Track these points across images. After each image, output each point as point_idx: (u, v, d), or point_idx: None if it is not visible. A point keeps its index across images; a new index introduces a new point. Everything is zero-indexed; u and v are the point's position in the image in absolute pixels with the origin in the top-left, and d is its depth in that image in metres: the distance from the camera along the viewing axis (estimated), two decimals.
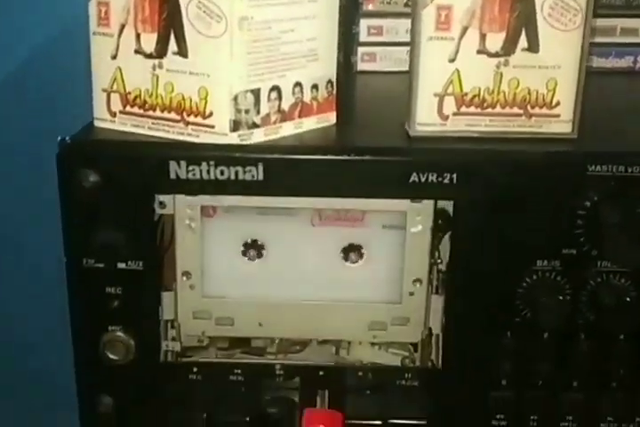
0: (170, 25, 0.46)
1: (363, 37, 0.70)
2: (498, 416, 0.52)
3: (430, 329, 0.52)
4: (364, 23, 0.70)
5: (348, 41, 0.69)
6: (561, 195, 0.47)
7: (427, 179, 0.46)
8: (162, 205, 0.50)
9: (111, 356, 0.50)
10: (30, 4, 0.76)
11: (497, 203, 0.47)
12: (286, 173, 0.47)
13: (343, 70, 0.69)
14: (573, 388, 0.51)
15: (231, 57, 0.45)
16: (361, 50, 0.70)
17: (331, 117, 0.52)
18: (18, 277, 0.85)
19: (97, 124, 0.50)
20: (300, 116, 0.50)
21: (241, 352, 0.54)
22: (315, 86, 0.51)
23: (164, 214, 0.50)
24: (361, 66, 0.71)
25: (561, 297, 0.48)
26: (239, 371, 0.52)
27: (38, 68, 0.77)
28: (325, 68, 0.51)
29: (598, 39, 0.70)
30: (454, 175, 0.46)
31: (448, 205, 0.49)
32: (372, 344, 0.53)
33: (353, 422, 0.51)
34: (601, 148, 0.49)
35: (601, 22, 0.70)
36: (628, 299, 0.47)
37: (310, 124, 0.51)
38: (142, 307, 0.50)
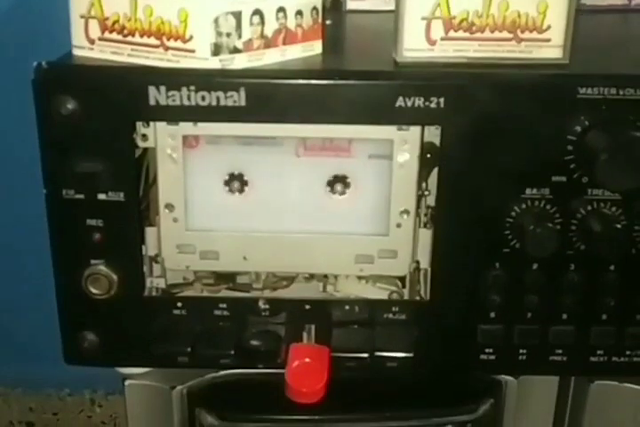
0: None
1: None
2: (486, 350, 0.51)
3: (418, 262, 0.51)
4: None
5: None
6: (551, 120, 0.46)
7: (413, 103, 0.45)
8: (144, 137, 0.49)
9: (94, 290, 0.50)
10: None
11: (485, 128, 0.46)
12: (269, 98, 0.46)
13: (332, 8, 0.69)
14: (563, 320, 0.50)
15: None
16: None
17: (316, 46, 0.51)
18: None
19: (75, 52, 0.49)
20: (284, 43, 0.49)
21: (226, 288, 0.53)
22: (299, 12, 0.49)
23: (149, 149, 0.49)
24: (350, 4, 0.70)
25: (550, 226, 0.47)
26: (224, 306, 0.51)
27: None
28: None
29: None
30: (441, 99, 0.45)
31: (436, 139, 0.48)
32: (359, 278, 0.52)
33: (339, 355, 0.50)
34: (592, 71, 0.48)
35: None
36: (618, 226, 0.47)
37: (295, 52, 0.50)
38: (125, 240, 0.50)
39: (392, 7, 0.50)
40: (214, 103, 0.45)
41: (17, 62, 0.58)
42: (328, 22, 0.63)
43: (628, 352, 0.51)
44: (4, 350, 1.01)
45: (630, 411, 0.58)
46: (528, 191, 0.47)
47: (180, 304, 0.52)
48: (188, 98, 0.45)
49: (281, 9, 0.48)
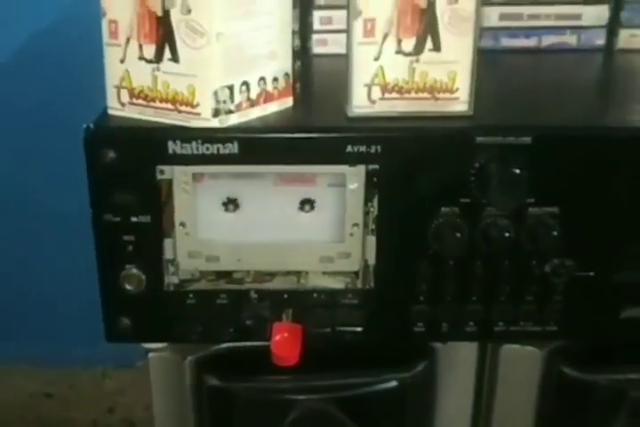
0: (165, 38, 0.61)
1: (316, 26, 0.84)
2: (418, 324, 0.68)
3: (366, 261, 0.67)
4: (316, 14, 0.84)
5: (304, 30, 0.84)
6: (457, 159, 0.63)
7: (358, 149, 0.62)
8: (162, 172, 0.64)
9: (128, 287, 0.67)
10: None
11: (411, 165, 0.63)
12: (255, 147, 0.62)
13: (302, 53, 0.85)
14: (472, 301, 0.67)
15: (211, 62, 0.61)
16: (315, 37, 0.85)
17: (288, 101, 0.68)
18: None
19: (110, 112, 0.65)
20: (264, 102, 0.66)
21: (225, 282, 0.69)
22: (275, 79, 0.66)
23: (163, 179, 0.65)
24: (315, 50, 0.85)
25: (459, 234, 0.64)
26: (224, 296, 0.68)
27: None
28: (282, 63, 0.66)
29: (509, 23, 0.86)
30: (379, 146, 0.62)
31: (377, 173, 0.64)
32: (323, 273, 0.68)
33: (311, 331, 0.68)
34: (488, 122, 0.65)
35: (510, 10, 0.85)
36: (507, 234, 0.64)
37: (273, 107, 0.66)
38: (150, 250, 0.66)
39: None
40: (215, 152, 0.62)
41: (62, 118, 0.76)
42: (298, 64, 0.80)
43: (521, 323, 0.69)
44: (28, 332, 1.17)
45: (531, 367, 0.76)
46: (443, 209, 0.64)
47: (190, 296, 0.68)
48: (197, 148, 0.62)
49: (262, 78, 0.65)
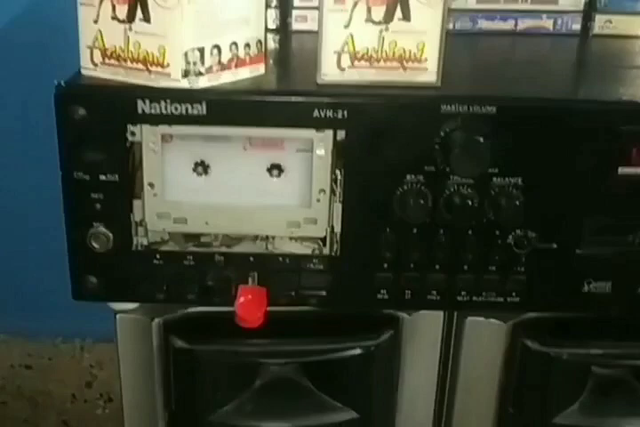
0: None
1: (296, 3, 0.85)
2: (381, 291, 0.69)
3: (333, 227, 0.68)
4: None
5: (284, 6, 0.85)
6: (422, 127, 0.64)
7: (325, 114, 0.64)
8: (133, 134, 0.65)
9: (95, 245, 0.68)
10: None
11: (377, 133, 0.64)
12: (223, 109, 0.64)
13: (281, 29, 0.86)
14: (436, 270, 0.69)
15: (182, 23, 0.62)
16: (295, 13, 0.86)
17: (260, 69, 0.69)
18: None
19: (83, 72, 0.66)
20: (236, 67, 0.67)
21: (192, 245, 0.70)
22: (247, 44, 0.67)
23: (135, 142, 0.66)
24: (295, 26, 0.86)
25: (423, 201, 0.65)
26: (191, 257, 0.69)
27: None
28: (255, 30, 0.67)
29: (486, 6, 0.87)
30: (345, 112, 0.63)
31: (343, 136, 0.65)
32: (290, 239, 0.69)
33: (275, 293, 0.69)
34: (454, 93, 0.66)
35: None
36: (470, 203, 0.65)
37: (244, 73, 0.67)
38: (118, 209, 0.67)
39: None
40: (184, 112, 0.63)
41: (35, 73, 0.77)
42: (276, 41, 0.81)
43: (484, 294, 0.70)
44: (8, 303, 1.19)
45: (495, 340, 0.77)
46: (408, 177, 0.65)
47: (158, 256, 0.69)
48: (165, 108, 0.63)
49: (234, 43, 0.66)
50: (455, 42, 0.67)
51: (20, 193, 1.12)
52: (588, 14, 0.87)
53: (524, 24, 0.87)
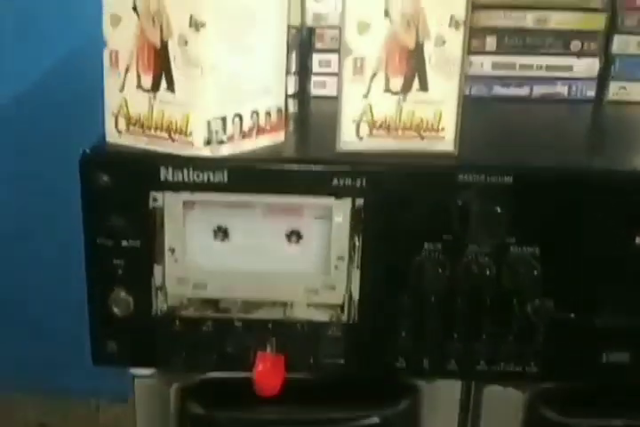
0: (162, 69, 0.64)
1: (315, 69, 0.87)
2: (399, 359, 0.69)
3: (351, 294, 0.69)
4: (315, 57, 0.87)
5: (303, 72, 0.87)
6: (440, 196, 0.65)
7: (344, 183, 0.64)
8: (155, 200, 0.66)
9: (116, 310, 0.68)
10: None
11: (395, 201, 0.65)
12: (244, 177, 0.65)
13: (300, 95, 0.88)
14: (454, 338, 0.68)
15: (205, 93, 0.63)
16: (314, 79, 0.88)
17: (280, 136, 0.70)
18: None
19: (108, 139, 0.68)
20: (256, 135, 0.68)
21: (211, 311, 0.70)
22: (268, 113, 0.68)
23: (157, 207, 0.67)
24: (314, 91, 0.88)
25: (440, 270, 0.65)
26: (209, 324, 0.69)
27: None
28: (276, 99, 0.69)
29: (501, 72, 0.89)
30: (364, 180, 0.64)
31: (362, 203, 0.66)
32: (308, 305, 0.69)
33: (293, 361, 0.68)
34: (470, 162, 0.67)
35: (504, 59, 0.88)
36: (488, 272, 0.65)
37: (264, 141, 0.69)
38: (139, 274, 0.68)
39: None
40: (205, 180, 0.64)
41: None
42: (295, 106, 0.82)
43: (502, 363, 0.69)
44: (25, 361, 1.19)
45: (513, 410, 0.76)
46: (426, 245, 0.66)
47: (177, 322, 0.69)
48: (188, 176, 0.64)
49: (255, 112, 0.67)
50: (470, 107, 0.68)
51: (45, 258, 1.13)
52: (602, 81, 0.88)
53: (540, 90, 0.89)
